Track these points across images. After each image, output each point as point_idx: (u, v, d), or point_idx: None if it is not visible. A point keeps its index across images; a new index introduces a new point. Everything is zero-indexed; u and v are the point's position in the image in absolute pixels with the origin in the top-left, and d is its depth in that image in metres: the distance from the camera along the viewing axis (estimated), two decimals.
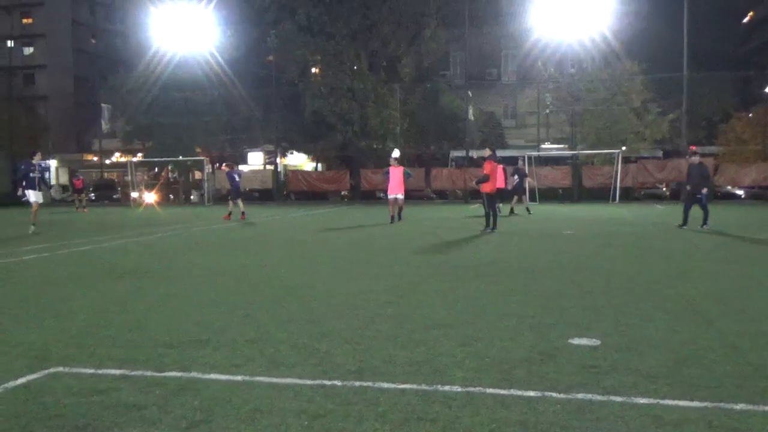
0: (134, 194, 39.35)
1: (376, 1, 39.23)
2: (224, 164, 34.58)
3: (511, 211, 23.79)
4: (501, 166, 27.36)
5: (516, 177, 24.23)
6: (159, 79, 39.00)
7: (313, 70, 42.03)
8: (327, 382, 4.58)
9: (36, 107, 59.97)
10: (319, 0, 38.56)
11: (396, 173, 20.69)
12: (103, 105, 50.12)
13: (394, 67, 43.00)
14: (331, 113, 37.98)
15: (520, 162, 25.19)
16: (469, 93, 42.24)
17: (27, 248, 13.90)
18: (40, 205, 18.57)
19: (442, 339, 5.77)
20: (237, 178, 23.36)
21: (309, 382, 4.61)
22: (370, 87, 38.67)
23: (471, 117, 41.73)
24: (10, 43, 56.63)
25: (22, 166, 18.30)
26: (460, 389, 4.40)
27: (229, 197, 23.67)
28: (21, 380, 4.75)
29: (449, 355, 5.24)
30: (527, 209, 24.36)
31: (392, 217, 20.56)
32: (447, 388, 4.43)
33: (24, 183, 17.97)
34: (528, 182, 27.46)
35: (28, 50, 67.57)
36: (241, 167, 47.81)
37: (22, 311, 7.27)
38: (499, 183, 26.89)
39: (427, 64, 45.61)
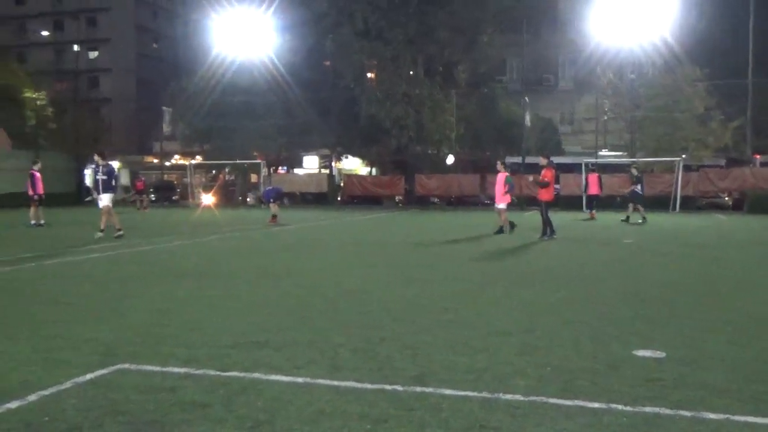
0: (193, 196, 40.10)
1: (432, 6, 39.21)
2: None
3: (629, 216, 23.10)
4: (597, 174, 26.94)
5: (638, 185, 23.50)
6: (218, 83, 39.67)
7: (369, 74, 42.23)
8: (388, 387, 4.58)
9: (100, 110, 61.68)
10: (377, 5, 38.71)
11: (498, 181, 18.61)
12: (164, 108, 51.22)
13: (450, 72, 42.87)
14: (387, 118, 38.08)
15: (634, 169, 24.47)
16: (526, 99, 41.86)
17: (93, 247, 14.28)
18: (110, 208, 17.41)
19: (501, 346, 5.72)
20: (270, 189, 24.02)
21: (370, 386, 4.62)
22: (426, 92, 38.67)
23: (527, 123, 41.35)
24: (76, 48, 58.35)
25: (92, 168, 18.09)
26: (522, 398, 4.35)
27: (271, 200, 23.76)
28: (90, 375, 4.87)
29: (509, 363, 5.19)
30: (643, 218, 23.06)
31: (501, 228, 18.09)
32: (509, 396, 4.39)
33: (96, 186, 17.29)
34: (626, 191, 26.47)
35: (93, 54, 69.54)
36: (296, 170, 48.38)
37: (89, 308, 7.47)
38: (594, 189, 26.55)
39: (483, 69, 45.36)
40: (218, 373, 4.94)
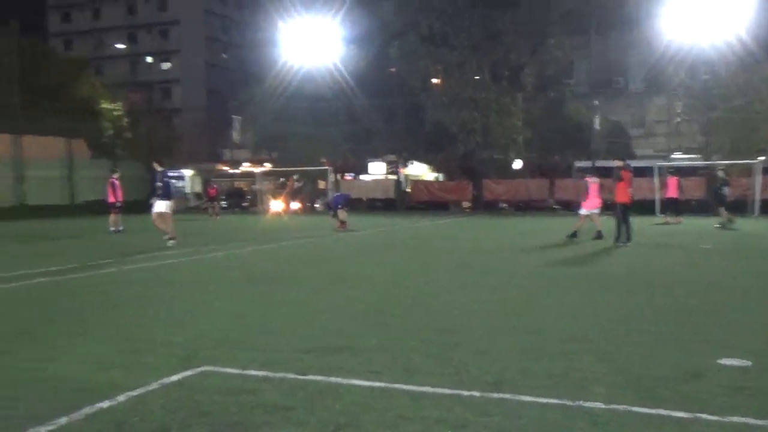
0: (262, 203, 40.79)
1: (497, 10, 38.96)
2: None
3: (725, 223, 22.13)
4: (676, 177, 26.13)
5: (724, 188, 22.78)
6: (286, 91, 40.31)
7: (435, 80, 42.21)
8: (465, 393, 4.58)
9: (172, 119, 63.43)
10: (442, 11, 38.71)
11: (594, 185, 17.79)
12: (233, 117, 52.34)
13: (516, 76, 42.48)
14: (453, 123, 37.98)
15: (721, 171, 23.71)
16: (595, 102, 41.14)
17: (168, 253, 14.68)
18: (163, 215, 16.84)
19: (579, 353, 5.65)
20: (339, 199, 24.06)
21: (447, 391, 4.62)
22: (493, 97, 38.42)
23: (597, 126, 40.63)
24: (149, 59, 60.20)
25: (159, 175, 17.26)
26: (603, 406, 4.28)
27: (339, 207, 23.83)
28: (175, 377, 5.02)
29: (588, 370, 5.11)
30: (729, 220, 22.31)
31: (599, 232, 17.14)
32: (589, 404, 4.32)
33: (157, 192, 16.96)
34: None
35: (166, 65, 71.58)
36: (363, 177, 48.68)
37: (169, 312, 7.69)
38: (672, 193, 25.78)
39: (550, 72, 44.78)
40: (296, 376, 5.02)
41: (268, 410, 4.25)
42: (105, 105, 43.90)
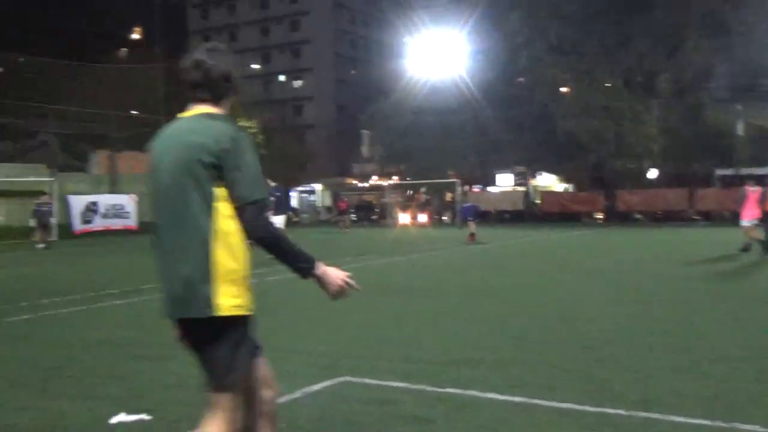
0: (391, 216, 41.33)
1: (631, 15, 37.70)
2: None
3: None
4: None
5: None
6: (413, 104, 40.72)
7: (564, 89, 41.35)
8: (610, 411, 4.43)
9: (304, 135, 65.48)
10: (572, 19, 37.91)
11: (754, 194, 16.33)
12: (362, 131, 53.41)
13: (651, 82, 40.92)
14: (584, 132, 37.03)
15: None
16: (738, 106, 38.92)
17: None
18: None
19: (733, 372, 5.34)
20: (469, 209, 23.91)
21: (590, 409, 4.49)
22: (625, 104, 37.17)
23: (740, 132, 38.42)
24: (282, 78, 62.52)
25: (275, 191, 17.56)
26: (761, 429, 4.03)
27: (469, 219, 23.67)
28: (317, 386, 5.17)
29: (744, 390, 4.83)
30: None
31: (747, 244, 16.05)
32: (747, 426, 4.08)
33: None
34: None
35: (297, 83, 74.09)
36: (490, 189, 48.32)
37: (310, 322, 7.93)
38: None
39: (687, 77, 42.80)
40: (435, 388, 5.04)
41: (409, 422, 4.28)
42: (241, 123, 45.90)
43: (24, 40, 43.06)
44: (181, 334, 2.85)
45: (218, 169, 2.64)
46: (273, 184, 17.61)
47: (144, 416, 4.50)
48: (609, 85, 38.65)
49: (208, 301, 2.65)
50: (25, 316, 8.84)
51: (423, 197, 47.11)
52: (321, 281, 2.89)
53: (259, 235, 2.70)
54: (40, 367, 5.98)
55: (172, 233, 2.73)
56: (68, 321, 8.47)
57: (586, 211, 38.97)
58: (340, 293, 2.90)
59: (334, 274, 2.88)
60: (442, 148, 41.50)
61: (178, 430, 4.23)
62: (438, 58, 40.06)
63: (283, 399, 4.81)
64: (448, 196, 45.88)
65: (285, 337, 7.05)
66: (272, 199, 17.02)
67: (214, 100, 2.85)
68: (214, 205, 2.66)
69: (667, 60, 39.49)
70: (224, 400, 2.73)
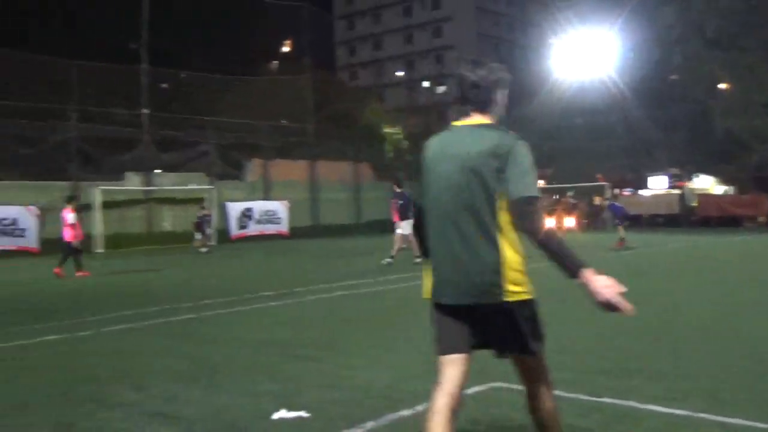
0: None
1: None
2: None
3: None
4: None
5: None
6: (560, 106, 39.83)
7: (722, 85, 39.02)
8: None
9: None
10: (732, 11, 35.73)
11: None
12: None
13: None
14: (745, 131, 34.78)
15: None
16: None
17: None
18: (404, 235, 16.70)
19: None
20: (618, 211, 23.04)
21: (761, 425, 4.21)
22: None
23: None
24: (425, 84, 63.12)
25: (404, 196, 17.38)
26: None
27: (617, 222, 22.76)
28: (469, 391, 5.14)
29: None
30: None
31: None
32: None
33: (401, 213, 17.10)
34: None
35: (441, 89, 74.43)
36: (642, 192, 46.31)
37: None
38: None
39: None
40: (590, 398, 4.90)
41: (565, 430, 4.18)
42: (387, 129, 46.75)
43: (184, 57, 45.96)
44: (456, 314, 3.24)
45: (499, 171, 2.99)
46: (398, 189, 17.35)
47: (303, 413, 4.67)
48: None
49: (500, 288, 3.04)
50: (189, 316, 9.42)
51: (570, 201, 45.91)
52: (587, 287, 3.08)
53: (529, 229, 2.99)
54: (204, 364, 6.35)
55: (460, 229, 3.07)
56: (228, 321, 8.94)
57: (748, 215, 36.47)
58: (607, 306, 3.09)
59: (602, 285, 3.04)
60: (590, 150, 40.29)
61: (336, 427, 4.36)
62: (585, 57, 38.94)
63: None
64: (596, 200, 44.42)
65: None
66: (400, 203, 17.02)
67: (484, 111, 3.21)
68: (497, 203, 3.01)
69: None
70: (535, 362, 3.35)
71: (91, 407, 5.03)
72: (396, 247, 16.73)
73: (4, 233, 24.71)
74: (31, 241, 25.05)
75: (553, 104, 40.79)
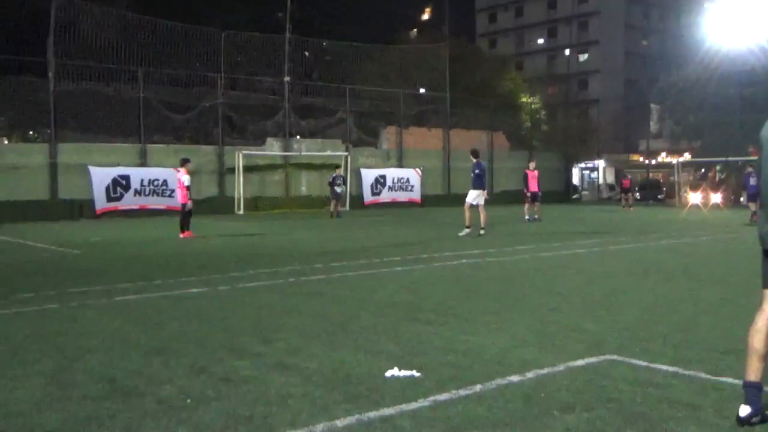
0: (680, 195, 38.76)
1: None
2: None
3: None
4: None
5: None
6: (712, 76, 37.57)
7: None
8: None
9: (588, 111, 63.60)
10: None
11: None
12: (652, 105, 50.49)
13: None
14: None
15: None
16: None
17: (579, 242, 14.87)
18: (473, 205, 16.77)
19: None
20: (752, 182, 21.66)
21: None
22: None
23: None
24: (567, 52, 61.25)
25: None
26: None
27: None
28: (580, 362, 5.16)
29: None
30: None
31: None
32: None
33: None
34: None
35: (583, 57, 71.96)
36: None
37: (580, 300, 7.85)
38: None
39: None
40: (709, 376, 4.77)
41: (675, 406, 4.13)
42: (524, 99, 45.90)
43: (326, 26, 46.97)
44: None
45: None
46: (474, 160, 17.04)
47: (415, 372, 4.85)
48: None
49: None
50: (319, 276, 9.85)
51: (717, 176, 43.42)
52: None
53: None
54: (328, 321, 6.68)
55: None
56: (355, 283, 9.28)
57: None
58: None
59: None
60: (743, 122, 37.80)
61: (444, 388, 4.51)
62: (743, 22, 36.34)
63: (544, 370, 4.91)
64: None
65: (555, 312, 7.09)
66: (476, 172, 16.77)
67: None
68: None
69: None
70: None
71: (222, 355, 5.44)
72: (481, 217, 16.54)
73: (156, 193, 26.50)
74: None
75: (705, 73, 38.51)
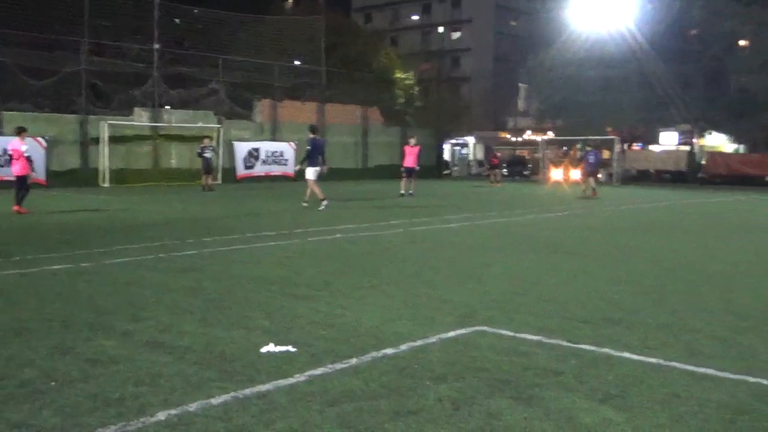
0: (543, 172, 40.51)
1: None
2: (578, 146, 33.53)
3: None
4: None
5: None
6: (575, 57, 39.34)
7: (742, 42, 38.37)
8: (751, 379, 4.30)
9: (459, 88, 65.06)
10: None
11: None
12: (520, 85, 52.31)
13: None
14: (762, 90, 34.33)
15: None
16: None
17: (452, 217, 15.31)
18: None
19: None
20: (591, 159, 24.52)
21: (730, 375, 4.37)
22: None
23: None
24: (441, 30, 62.28)
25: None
26: None
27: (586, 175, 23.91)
28: (452, 333, 5.34)
29: None
30: None
31: None
32: None
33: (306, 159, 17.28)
34: None
35: (456, 35, 73.41)
36: (652, 147, 46.02)
37: (451, 273, 8.10)
38: None
39: None
40: (569, 344, 5.07)
41: (539, 373, 4.36)
42: (398, 75, 46.28)
43: None
44: None
45: None
46: (311, 135, 17.45)
47: (290, 348, 4.86)
48: None
49: None
50: (191, 252, 9.61)
51: (578, 154, 45.73)
52: None
53: None
54: (201, 298, 6.55)
55: None
56: (228, 258, 9.13)
57: (758, 174, 36.32)
58: None
59: None
60: (603, 103, 39.92)
61: (320, 362, 4.54)
62: (604, 7, 38.22)
63: (418, 342, 5.05)
64: (606, 153, 44.21)
65: (427, 285, 7.28)
66: (308, 148, 17.17)
67: None
68: None
69: None
70: None
71: (88, 334, 5.23)
72: (312, 191, 16.94)
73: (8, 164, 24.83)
74: (39, 173, 25.23)
75: (568, 54, 40.22)
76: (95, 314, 5.88)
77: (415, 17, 75.47)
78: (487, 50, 71.47)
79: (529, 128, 55.55)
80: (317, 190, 16.84)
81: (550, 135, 46.69)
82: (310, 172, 17.03)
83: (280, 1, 53.69)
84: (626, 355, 4.81)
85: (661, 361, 4.66)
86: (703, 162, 39.61)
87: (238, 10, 36.13)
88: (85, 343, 5.00)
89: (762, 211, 19.98)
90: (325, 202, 16.57)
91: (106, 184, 26.47)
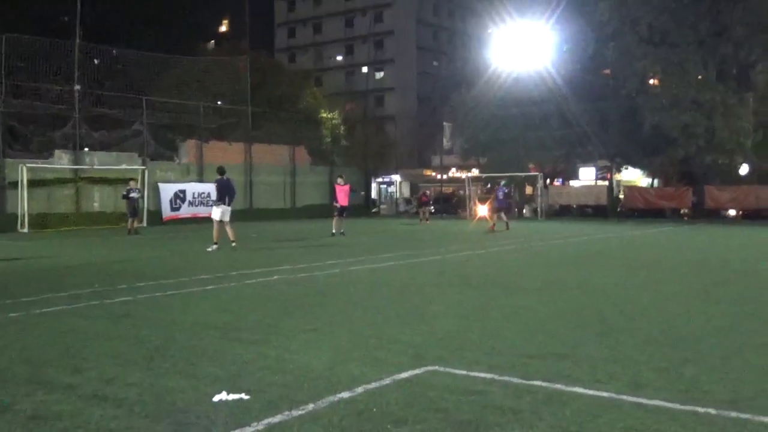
0: (470, 208, 41.19)
1: (728, 2, 36.31)
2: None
3: None
4: None
5: None
6: (496, 96, 40.40)
7: (653, 81, 40.20)
8: (700, 410, 4.43)
9: (384, 127, 65.82)
10: (664, 7, 36.74)
11: None
12: (444, 123, 53.28)
13: (745, 74, 39.34)
14: (673, 126, 35.93)
15: None
16: None
17: (387, 255, 15.35)
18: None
19: None
20: (501, 195, 25.90)
21: (679, 407, 4.50)
22: (718, 97, 35.81)
23: None
24: (364, 69, 63.06)
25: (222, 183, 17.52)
26: None
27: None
28: (405, 374, 5.33)
29: None
30: None
31: None
32: None
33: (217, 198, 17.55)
34: None
35: (379, 75, 74.45)
36: (572, 183, 47.47)
37: (395, 312, 8.10)
38: None
39: None
40: (521, 380, 5.13)
41: (497, 412, 4.39)
42: (324, 114, 46.53)
43: (120, 32, 44.79)
44: None
45: None
46: (219, 176, 17.55)
47: (243, 395, 4.75)
48: (701, 77, 37.33)
49: None
50: (125, 298, 9.33)
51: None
52: None
53: None
54: (143, 346, 6.35)
55: None
56: (165, 304, 8.90)
57: (673, 207, 37.88)
58: None
59: None
60: (524, 140, 41.06)
61: (277, 409, 4.46)
62: (523, 49, 39.52)
63: (372, 384, 5.01)
64: (528, 189, 45.37)
65: (372, 326, 7.25)
66: (217, 189, 17.40)
67: None
68: None
69: (764, 51, 37.89)
70: None
71: (28, 389, 4.99)
72: (230, 231, 17.06)
73: None
74: None
75: (490, 93, 41.27)
76: (32, 367, 5.62)
77: (339, 57, 76.32)
78: (411, 90, 72.79)
79: (454, 166, 56.53)
80: (215, 232, 16.95)
81: (475, 172, 47.62)
82: (216, 212, 17.18)
83: (203, 41, 53.48)
84: (578, 389, 4.89)
85: (612, 395, 4.76)
86: (621, 196, 41.07)
87: (162, 51, 35.81)
88: (25, 398, 4.77)
89: (683, 242, 20.78)
90: (215, 246, 16.64)
91: (25, 230, 25.52)
